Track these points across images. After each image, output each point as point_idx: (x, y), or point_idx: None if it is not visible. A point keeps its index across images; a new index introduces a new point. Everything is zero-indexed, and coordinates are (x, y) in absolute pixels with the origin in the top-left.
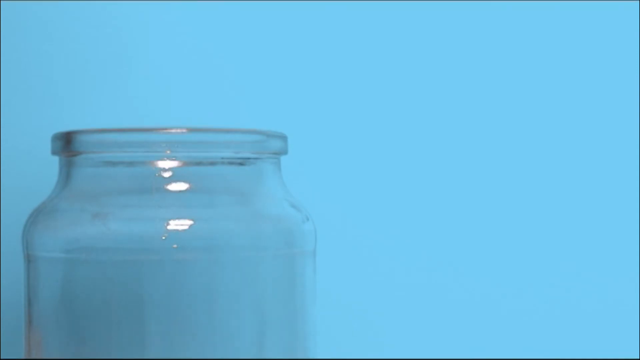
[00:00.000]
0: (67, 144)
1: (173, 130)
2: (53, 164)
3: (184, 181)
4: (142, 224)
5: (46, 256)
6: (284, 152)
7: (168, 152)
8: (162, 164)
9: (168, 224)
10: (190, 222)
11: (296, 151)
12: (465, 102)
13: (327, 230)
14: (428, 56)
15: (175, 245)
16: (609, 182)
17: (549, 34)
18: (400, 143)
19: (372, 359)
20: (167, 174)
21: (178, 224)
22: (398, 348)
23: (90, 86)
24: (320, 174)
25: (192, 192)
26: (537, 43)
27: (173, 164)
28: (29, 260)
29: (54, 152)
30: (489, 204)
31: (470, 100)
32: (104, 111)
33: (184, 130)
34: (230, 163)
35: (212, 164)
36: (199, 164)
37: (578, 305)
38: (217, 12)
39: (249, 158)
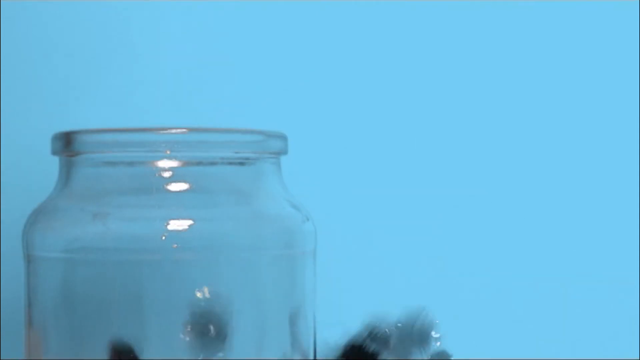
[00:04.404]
0: (67, 144)
1: (173, 130)
2: (53, 164)
3: (184, 181)
4: (142, 224)
5: (46, 256)
6: (284, 152)
7: (168, 152)
8: (162, 164)
9: (168, 224)
10: (190, 222)
11: (296, 151)
12: (465, 102)
13: (327, 230)
14: (428, 56)
15: (175, 245)
16: (609, 182)
17: (549, 34)
18: (400, 143)
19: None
20: (167, 174)
21: (178, 224)
22: None
23: (91, 86)
24: (320, 174)
25: (192, 192)
26: (537, 43)
27: (173, 164)
28: (29, 260)
29: (54, 152)
30: (489, 204)
31: (471, 100)
32: (104, 111)
33: (184, 130)
34: (230, 163)
35: (212, 164)
36: (199, 164)
37: (578, 305)
38: (218, 12)
39: (249, 158)
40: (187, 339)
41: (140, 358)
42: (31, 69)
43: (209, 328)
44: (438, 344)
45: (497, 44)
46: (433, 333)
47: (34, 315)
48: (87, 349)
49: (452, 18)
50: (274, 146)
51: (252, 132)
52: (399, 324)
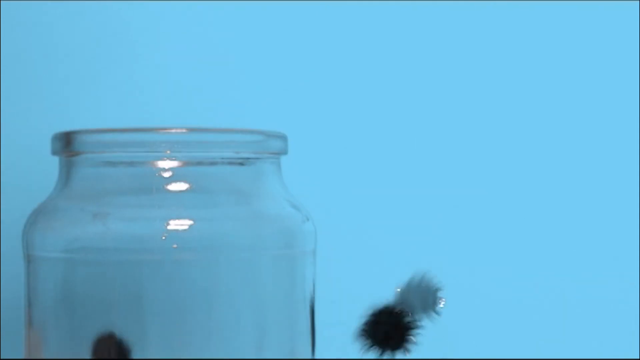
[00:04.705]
0: (67, 144)
1: (173, 130)
2: (53, 164)
3: (184, 181)
4: (142, 224)
5: (46, 256)
6: (284, 152)
7: (168, 152)
8: (162, 164)
9: (168, 224)
10: (190, 222)
11: (296, 151)
12: (464, 103)
13: (327, 230)
14: (428, 57)
15: (175, 245)
16: (610, 182)
17: (549, 34)
18: (400, 143)
19: (372, 359)
20: (167, 174)
21: (178, 224)
22: None
23: (91, 86)
24: (320, 174)
25: (192, 192)
26: (537, 43)
27: (173, 164)
28: (29, 260)
29: (54, 152)
30: (489, 204)
31: (470, 100)
32: (104, 111)
33: (184, 130)
34: (230, 163)
35: (212, 164)
36: (199, 164)
37: (578, 305)
38: (219, 13)
39: (249, 158)
40: None
41: (135, 358)
42: (31, 69)
43: None
44: (442, 302)
45: (497, 44)
46: (435, 285)
47: (34, 315)
48: (87, 349)
49: (452, 18)
50: (274, 146)
51: (252, 132)
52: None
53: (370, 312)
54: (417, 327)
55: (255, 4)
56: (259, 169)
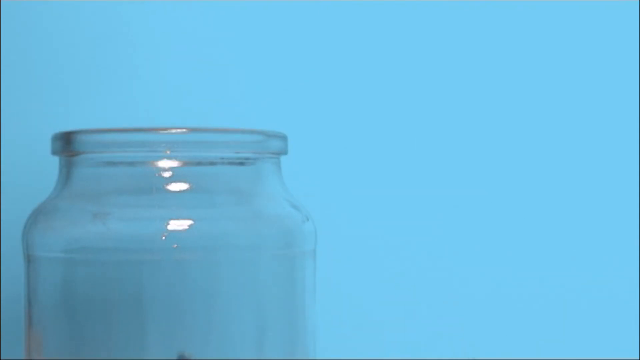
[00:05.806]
0: (67, 144)
1: (173, 130)
2: (53, 164)
3: (184, 181)
4: (142, 224)
5: (46, 256)
6: (284, 152)
7: (168, 152)
8: (162, 164)
9: (168, 224)
10: (190, 222)
11: (296, 151)
12: (464, 102)
13: (327, 230)
14: (427, 56)
15: (175, 245)
16: (610, 182)
17: (549, 34)
18: (400, 143)
19: (372, 359)
20: (167, 174)
21: (178, 224)
22: (398, 348)
23: (91, 86)
24: (320, 174)
25: (192, 192)
26: (537, 43)
27: (173, 164)
28: (29, 260)
29: (54, 152)
30: (489, 204)
31: (470, 100)
32: (104, 111)
33: (184, 130)
34: (230, 163)
35: (212, 164)
36: (199, 164)
37: (578, 304)
38: (219, 13)
39: (249, 158)
40: None
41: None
42: (31, 69)
43: None
44: None
45: (497, 44)
46: None
47: (34, 315)
48: (87, 348)
49: (452, 18)
50: (274, 146)
51: (252, 132)
52: None
53: None
54: None
55: (256, 3)
56: (259, 169)
